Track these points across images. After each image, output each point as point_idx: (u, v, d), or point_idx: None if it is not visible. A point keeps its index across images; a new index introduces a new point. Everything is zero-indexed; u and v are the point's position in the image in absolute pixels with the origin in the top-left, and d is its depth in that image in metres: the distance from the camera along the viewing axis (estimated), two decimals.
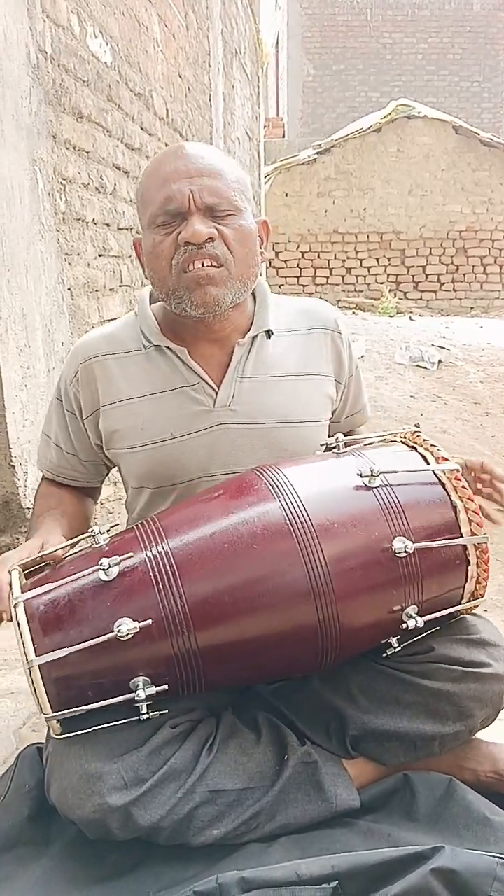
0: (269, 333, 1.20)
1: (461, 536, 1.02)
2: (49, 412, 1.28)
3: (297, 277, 10.56)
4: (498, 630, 1.16)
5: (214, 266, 1.09)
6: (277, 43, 14.65)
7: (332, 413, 1.29)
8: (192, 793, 0.98)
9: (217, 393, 1.16)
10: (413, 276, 10.65)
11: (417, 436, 1.12)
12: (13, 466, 1.85)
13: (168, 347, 1.17)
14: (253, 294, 1.23)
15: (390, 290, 10.12)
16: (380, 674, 1.09)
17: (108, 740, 0.97)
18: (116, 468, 1.26)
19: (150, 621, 0.92)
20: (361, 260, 10.58)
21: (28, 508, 1.90)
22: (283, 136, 13.62)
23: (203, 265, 1.08)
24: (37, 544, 1.05)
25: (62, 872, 1.00)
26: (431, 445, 1.09)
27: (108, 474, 1.31)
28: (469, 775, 1.13)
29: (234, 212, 1.11)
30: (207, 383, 1.16)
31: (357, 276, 10.59)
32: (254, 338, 1.19)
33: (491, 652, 1.10)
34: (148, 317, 1.21)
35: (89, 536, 1.01)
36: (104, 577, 0.94)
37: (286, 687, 1.14)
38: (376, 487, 1.01)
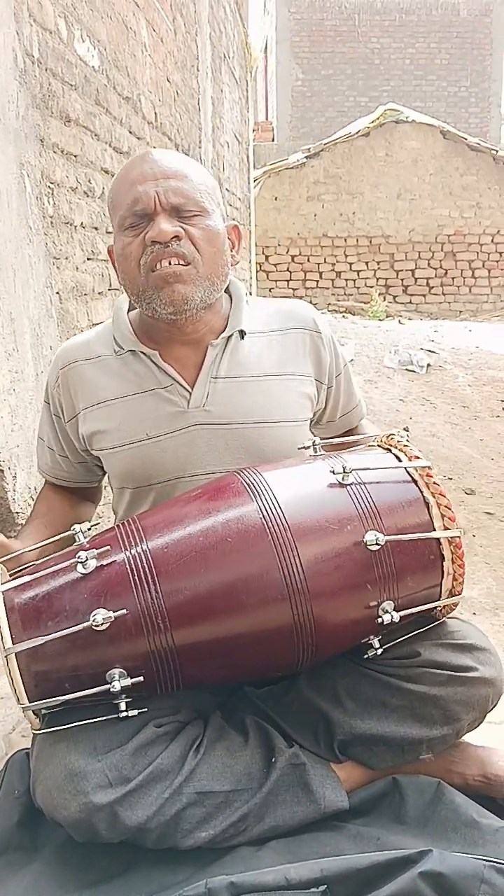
0: (241, 333, 1.21)
1: (434, 531, 1.03)
2: (41, 416, 1.32)
3: (287, 281, 10.58)
4: (484, 634, 1.17)
5: (181, 264, 1.11)
6: (266, 47, 14.69)
7: (318, 413, 1.29)
8: (179, 794, 0.98)
9: (191, 394, 1.17)
10: (402, 279, 10.69)
11: (392, 438, 1.14)
12: (1, 471, 1.84)
13: (141, 352, 1.19)
14: (229, 294, 1.25)
15: (379, 294, 10.15)
16: (366, 678, 1.09)
17: (91, 738, 0.97)
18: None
19: (124, 611, 0.93)
20: (351, 264, 10.62)
21: (17, 513, 1.89)
22: (273, 140, 13.65)
23: (170, 263, 1.10)
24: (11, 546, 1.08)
25: (52, 877, 1.00)
26: (404, 446, 1.11)
27: (103, 476, 1.32)
28: (457, 779, 1.13)
29: (200, 212, 1.13)
30: (181, 384, 1.17)
31: (346, 280, 10.63)
32: (228, 338, 1.20)
33: (477, 656, 1.11)
34: (122, 323, 1.23)
35: (71, 534, 1.02)
36: (82, 570, 0.96)
37: (274, 690, 1.14)
38: (349, 485, 1.03)
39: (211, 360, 1.19)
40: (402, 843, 1.00)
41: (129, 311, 1.27)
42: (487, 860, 0.94)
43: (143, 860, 1.01)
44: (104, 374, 1.20)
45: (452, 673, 1.08)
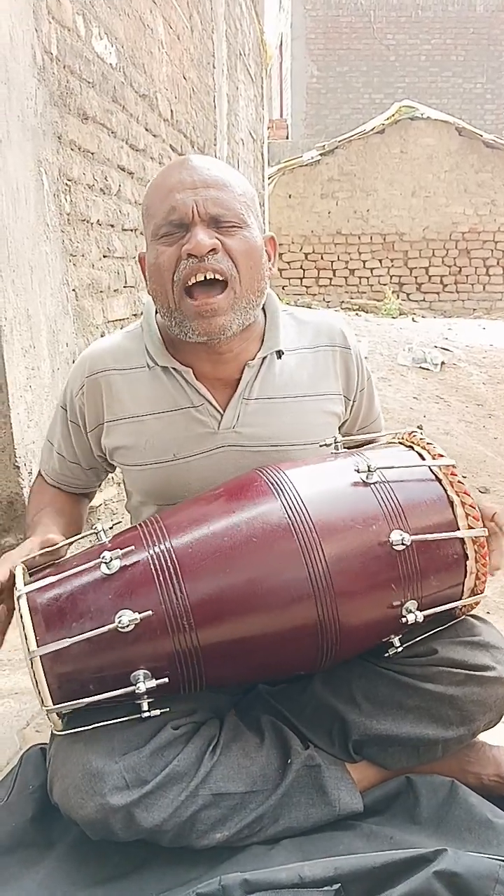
0: (279, 353, 1.18)
1: (458, 530, 1.02)
2: (53, 419, 1.28)
3: (301, 279, 10.57)
4: (501, 633, 1.16)
5: (217, 280, 1.06)
6: (281, 44, 14.66)
7: (341, 427, 1.28)
8: (196, 796, 0.98)
9: (222, 415, 1.15)
10: (416, 277, 10.65)
11: (413, 435, 1.13)
12: (18, 467, 1.85)
13: (174, 368, 1.15)
14: (263, 310, 1.20)
15: (393, 292, 10.12)
16: (382, 678, 1.09)
17: (109, 739, 0.97)
18: (118, 469, 1.26)
19: (150, 612, 0.92)
20: (364, 261, 10.59)
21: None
22: (287, 138, 13.63)
23: (206, 278, 1.05)
24: (36, 542, 1.05)
25: (65, 874, 1.00)
26: (427, 444, 1.10)
27: (107, 476, 1.32)
28: (472, 779, 1.13)
29: (239, 224, 1.08)
30: (212, 405, 1.15)
31: (360, 278, 10.60)
32: (263, 358, 1.17)
33: (494, 655, 1.10)
34: (154, 332, 1.18)
35: (92, 533, 1.01)
36: (106, 571, 0.95)
37: (289, 690, 1.14)
38: (373, 483, 1.02)
39: (246, 381, 1.16)
40: (417, 842, 1.00)
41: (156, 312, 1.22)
42: (502, 860, 0.93)
43: (156, 857, 1.01)
44: (134, 387, 1.16)
45: (469, 672, 1.07)
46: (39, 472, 1.33)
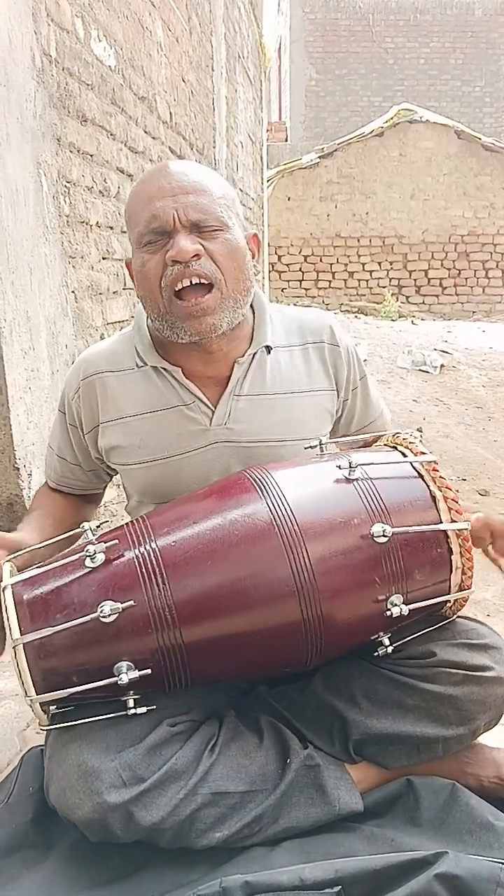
0: (268, 349, 1.19)
1: (441, 524, 1.03)
2: (54, 424, 1.30)
3: (300, 281, 10.58)
4: (500, 635, 1.16)
5: (203, 283, 1.08)
6: (280, 47, 14.69)
7: (336, 426, 1.28)
8: (194, 794, 0.98)
9: (213, 412, 1.16)
10: (415, 280, 10.67)
11: (397, 436, 1.14)
12: (17, 468, 1.85)
13: (163, 368, 1.17)
14: (252, 307, 1.22)
15: (392, 294, 10.14)
16: (382, 677, 1.09)
17: (104, 736, 0.97)
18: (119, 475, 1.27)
19: (132, 603, 0.93)
20: (364, 264, 10.60)
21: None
22: (286, 141, 13.65)
23: (192, 282, 1.07)
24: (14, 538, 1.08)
25: (66, 875, 1.00)
26: (410, 443, 1.11)
27: (110, 480, 1.33)
28: (472, 780, 1.13)
29: (220, 227, 1.10)
30: (203, 402, 1.16)
31: (359, 280, 10.61)
32: (253, 355, 1.19)
33: (493, 655, 1.10)
34: (143, 334, 1.21)
35: (80, 532, 1.02)
36: (90, 564, 0.97)
37: (289, 690, 1.14)
38: (356, 480, 1.03)
39: (236, 378, 1.17)
40: (417, 844, 1.00)
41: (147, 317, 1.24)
42: (503, 863, 0.93)
43: (156, 859, 1.00)
44: (126, 387, 1.18)
45: (468, 672, 1.07)
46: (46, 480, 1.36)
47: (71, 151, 2.26)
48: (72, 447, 1.26)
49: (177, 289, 1.08)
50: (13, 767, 1.15)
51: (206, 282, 1.08)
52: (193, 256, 1.06)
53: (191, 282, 1.07)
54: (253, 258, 1.17)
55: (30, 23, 1.94)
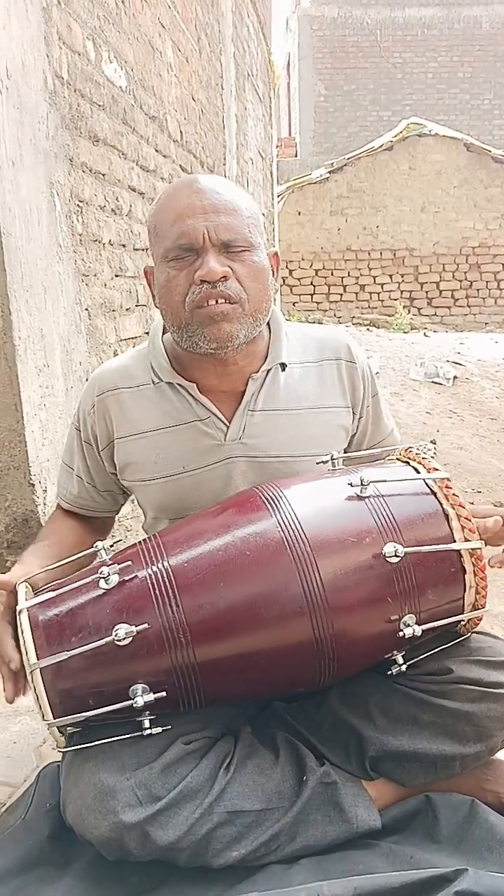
0: (282, 366, 1.20)
1: (454, 542, 1.02)
2: (68, 442, 1.30)
3: (311, 295, 10.61)
4: None
5: (228, 304, 1.09)
6: (289, 64, 14.83)
7: (350, 443, 1.28)
8: (210, 813, 0.97)
9: (228, 427, 1.16)
10: (427, 292, 10.67)
11: (409, 451, 1.13)
12: (32, 485, 1.86)
13: (178, 384, 1.18)
14: (268, 324, 1.23)
15: (404, 307, 10.14)
16: (397, 694, 1.08)
17: (118, 755, 0.97)
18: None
19: (146, 625, 0.93)
20: (375, 277, 10.62)
21: None
22: (296, 156, 13.76)
23: (217, 302, 1.08)
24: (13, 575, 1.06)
25: (84, 893, 0.99)
26: (423, 458, 1.10)
27: (124, 503, 1.33)
28: (491, 797, 1.11)
29: (248, 248, 1.10)
30: (218, 417, 1.17)
31: (371, 293, 10.63)
32: (268, 371, 1.19)
33: None
34: (158, 350, 1.21)
35: (94, 551, 1.02)
36: (104, 586, 0.97)
37: (304, 706, 1.14)
38: (367, 497, 1.02)
39: (251, 393, 1.17)
40: (437, 861, 0.99)
41: (164, 333, 1.25)
42: None
43: (174, 877, 1.00)
44: (141, 403, 1.19)
45: (485, 689, 1.06)
46: (58, 504, 1.34)
47: (83, 171, 2.29)
48: (86, 465, 1.26)
49: (201, 308, 1.09)
50: (30, 784, 1.15)
51: (230, 303, 1.09)
52: (221, 278, 1.07)
53: (216, 302, 1.08)
54: (273, 275, 1.18)
55: (42, 46, 1.98)
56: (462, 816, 1.06)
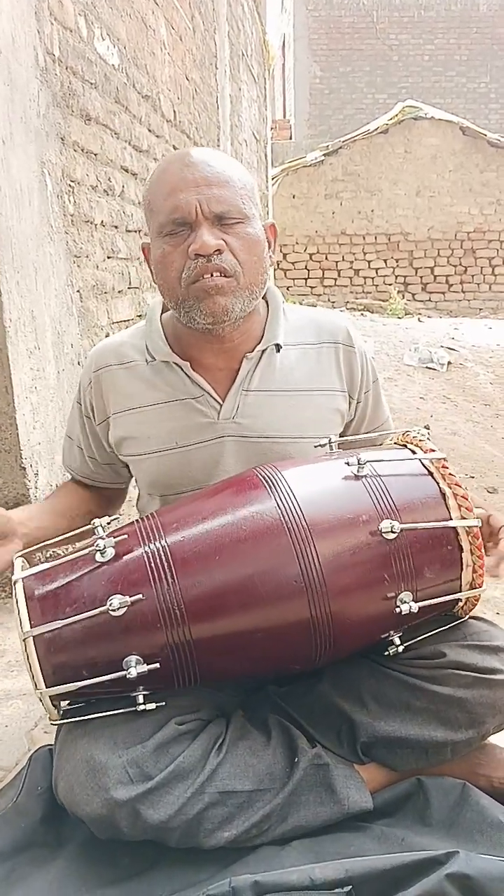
0: (277, 347, 1.19)
1: (451, 520, 1.02)
2: (71, 413, 1.32)
3: (305, 279, 10.56)
4: None
5: (223, 277, 1.09)
6: (284, 45, 14.68)
7: (347, 428, 1.28)
8: (202, 793, 0.97)
9: (221, 405, 1.17)
10: (421, 277, 10.64)
11: (406, 434, 1.14)
12: (24, 468, 1.85)
13: (173, 362, 1.18)
14: (266, 302, 1.23)
15: (398, 292, 10.11)
16: (390, 679, 1.08)
17: (112, 733, 0.98)
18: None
19: (140, 596, 0.94)
20: (369, 261, 10.58)
21: None
22: (291, 138, 13.63)
23: (212, 275, 1.08)
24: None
25: (76, 874, 1.00)
26: (420, 441, 1.10)
27: (129, 479, 1.33)
28: (483, 781, 1.12)
29: (241, 219, 1.10)
30: (211, 395, 1.17)
31: (365, 278, 10.59)
32: (263, 351, 1.19)
33: (503, 658, 1.09)
34: (155, 330, 1.22)
35: (91, 528, 1.03)
36: (100, 558, 0.98)
37: (296, 690, 1.14)
38: (364, 477, 1.03)
39: (245, 372, 1.18)
40: (428, 844, 0.99)
41: (162, 313, 1.25)
42: None
43: (166, 858, 1.00)
44: (136, 380, 1.20)
45: (478, 675, 1.06)
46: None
47: (75, 150, 2.26)
48: (87, 438, 1.28)
49: (196, 282, 1.09)
50: (22, 767, 1.15)
51: (225, 276, 1.09)
52: (215, 251, 1.07)
53: (211, 275, 1.08)
54: (269, 248, 1.18)
55: (33, 22, 1.94)
56: (453, 800, 1.07)
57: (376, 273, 10.59)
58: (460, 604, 1.08)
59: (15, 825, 1.06)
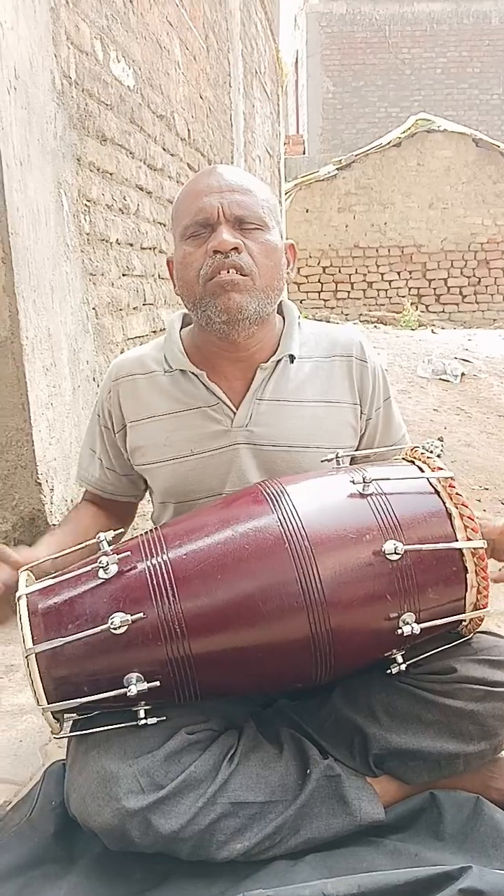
0: (291, 358, 1.22)
1: (456, 541, 1.01)
2: (90, 426, 1.35)
3: (319, 292, 10.59)
4: None
5: (239, 274, 1.13)
6: (297, 61, 14.79)
7: (359, 443, 1.28)
8: (213, 803, 0.98)
9: (235, 413, 1.19)
10: (435, 288, 10.63)
11: (415, 450, 1.13)
12: (39, 483, 1.87)
13: (190, 371, 1.21)
14: (282, 316, 1.26)
15: (412, 304, 10.10)
16: (401, 692, 1.08)
17: (122, 743, 0.98)
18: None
19: (142, 615, 0.94)
20: (383, 274, 10.59)
21: (55, 525, 1.92)
22: (304, 153, 13.71)
23: (229, 272, 1.12)
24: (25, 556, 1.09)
25: (88, 889, 1.00)
26: (427, 457, 1.10)
27: (145, 492, 1.35)
28: (496, 795, 1.12)
29: (261, 226, 1.15)
30: (226, 404, 1.20)
31: (378, 290, 10.60)
32: (277, 361, 1.22)
33: None
34: (174, 341, 1.25)
35: (96, 542, 1.03)
36: (103, 575, 0.98)
37: (308, 704, 1.14)
38: (369, 495, 1.02)
39: (259, 381, 1.20)
40: (441, 859, 0.99)
41: (182, 328, 1.29)
42: None
43: (178, 873, 1.00)
44: (153, 390, 1.23)
45: (489, 688, 1.06)
46: (84, 492, 1.38)
47: (91, 171, 2.30)
48: (106, 449, 1.30)
49: (212, 279, 1.13)
50: (36, 782, 1.16)
51: (241, 274, 1.13)
52: (233, 249, 1.11)
53: (228, 271, 1.12)
54: (288, 266, 1.23)
55: (50, 46, 1.98)
56: (467, 814, 1.06)
57: (389, 285, 10.59)
58: (464, 623, 1.07)
59: (29, 840, 1.06)
